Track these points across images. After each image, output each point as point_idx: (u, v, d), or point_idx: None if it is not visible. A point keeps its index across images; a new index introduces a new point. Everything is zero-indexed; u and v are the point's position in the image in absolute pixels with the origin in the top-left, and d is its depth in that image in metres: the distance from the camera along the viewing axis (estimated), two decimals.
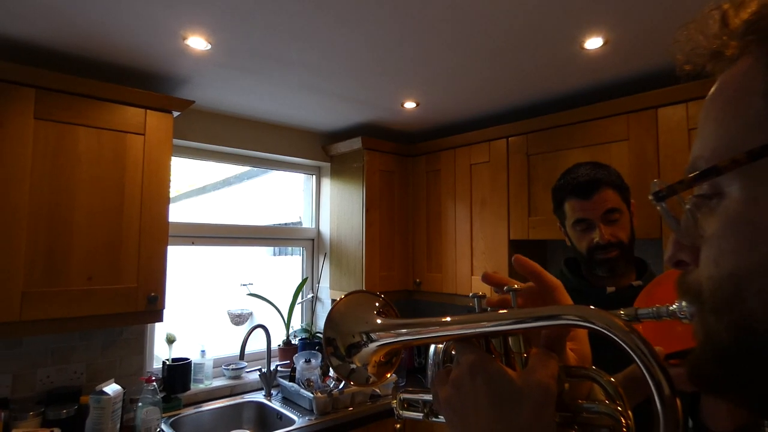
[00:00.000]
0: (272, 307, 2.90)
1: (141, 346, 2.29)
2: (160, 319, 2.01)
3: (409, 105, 2.51)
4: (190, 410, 2.28)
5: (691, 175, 0.32)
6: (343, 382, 2.37)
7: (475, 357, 0.42)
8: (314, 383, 2.40)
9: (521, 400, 0.38)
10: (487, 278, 0.50)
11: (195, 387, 2.44)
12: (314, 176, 3.24)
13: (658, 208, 0.35)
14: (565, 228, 1.35)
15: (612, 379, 0.40)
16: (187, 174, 3.27)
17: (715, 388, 0.34)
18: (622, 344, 0.34)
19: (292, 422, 2.18)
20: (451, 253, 2.72)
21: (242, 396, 2.51)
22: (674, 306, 0.47)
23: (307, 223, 3.23)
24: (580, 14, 1.57)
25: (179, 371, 2.32)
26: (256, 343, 2.80)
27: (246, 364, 2.66)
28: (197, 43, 1.76)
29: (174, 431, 2.10)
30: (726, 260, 0.31)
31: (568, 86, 2.24)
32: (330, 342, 0.50)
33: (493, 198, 2.53)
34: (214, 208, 3.78)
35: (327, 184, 3.16)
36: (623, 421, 0.38)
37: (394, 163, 2.95)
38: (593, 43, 1.77)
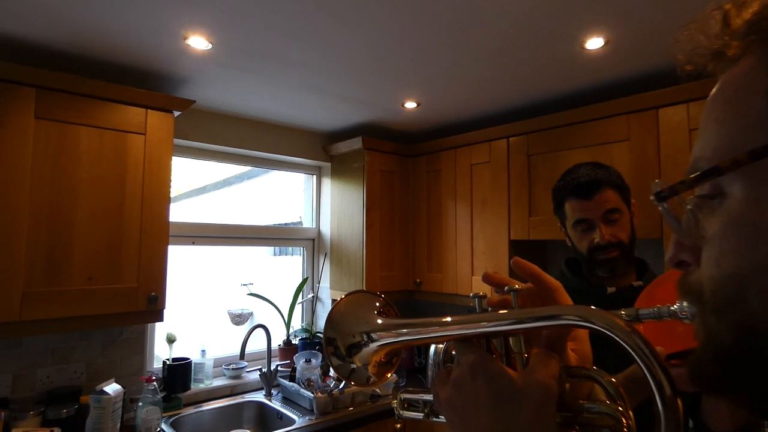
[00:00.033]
0: (272, 307, 2.90)
1: (141, 345, 2.29)
2: (160, 318, 2.01)
3: (410, 105, 2.51)
4: (191, 410, 2.28)
5: (693, 175, 0.32)
6: (344, 382, 2.37)
7: (476, 357, 0.42)
8: (314, 383, 2.40)
9: (522, 400, 0.38)
10: (487, 278, 0.50)
11: (195, 387, 2.44)
12: (315, 176, 3.24)
13: (660, 208, 0.35)
14: (565, 228, 1.35)
15: (613, 380, 0.40)
16: (187, 174, 3.27)
17: (716, 389, 0.34)
18: (623, 344, 0.34)
19: (292, 422, 2.19)
20: (451, 254, 2.72)
21: (242, 396, 2.51)
22: (675, 306, 0.47)
23: (308, 223, 3.24)
24: (580, 14, 1.57)
25: (179, 371, 2.32)
26: (257, 343, 2.80)
27: (246, 363, 2.66)
28: (198, 42, 1.76)
29: (174, 431, 2.10)
30: (727, 260, 0.31)
31: (568, 86, 2.24)
32: (330, 342, 0.50)
33: (493, 198, 2.53)
34: (215, 207, 3.79)
35: (327, 184, 3.16)
36: (624, 421, 0.38)
37: (395, 163, 2.95)
38: (594, 43, 1.76)
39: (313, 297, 3.13)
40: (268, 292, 2.94)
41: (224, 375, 2.62)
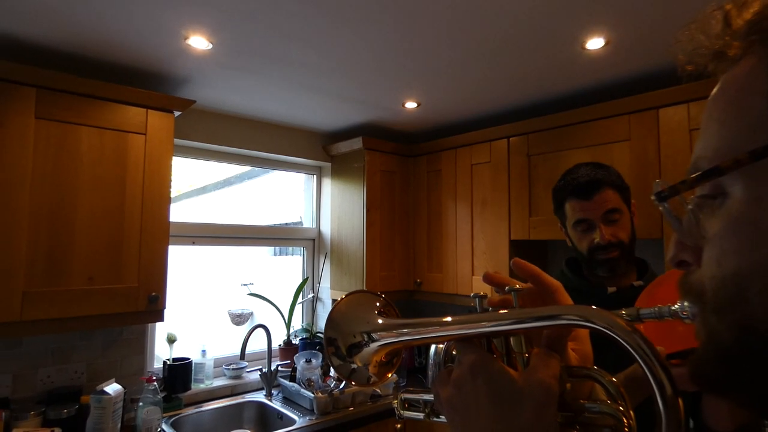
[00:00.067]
0: (273, 307, 2.90)
1: (142, 345, 2.29)
2: (160, 318, 2.01)
3: (410, 105, 2.51)
4: (191, 410, 2.28)
5: (694, 175, 0.32)
6: (344, 382, 2.37)
7: (477, 357, 0.42)
8: (315, 383, 2.40)
9: (523, 399, 0.38)
10: (488, 278, 0.50)
11: (196, 387, 2.44)
12: (315, 176, 3.24)
13: (661, 208, 0.35)
14: (565, 228, 1.35)
15: (614, 379, 0.40)
16: (188, 174, 3.27)
17: (717, 388, 0.34)
18: (624, 344, 0.34)
19: (292, 422, 2.19)
20: (451, 253, 2.72)
21: (243, 396, 2.51)
22: (676, 306, 0.47)
23: (308, 223, 3.24)
24: (581, 14, 1.57)
25: (180, 371, 2.32)
26: (257, 343, 2.80)
27: (247, 363, 2.66)
28: (198, 42, 1.76)
29: (175, 431, 2.10)
30: (728, 260, 0.31)
31: (569, 86, 2.23)
32: (331, 342, 0.50)
33: (494, 198, 2.53)
34: (215, 207, 3.78)
35: (328, 184, 3.16)
36: (625, 421, 0.38)
37: (395, 163, 2.95)
38: (594, 43, 1.76)
39: (313, 297, 3.13)
40: (269, 292, 2.94)
41: (224, 375, 2.62)
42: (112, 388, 1.93)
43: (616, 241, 1.24)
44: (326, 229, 3.14)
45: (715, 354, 0.32)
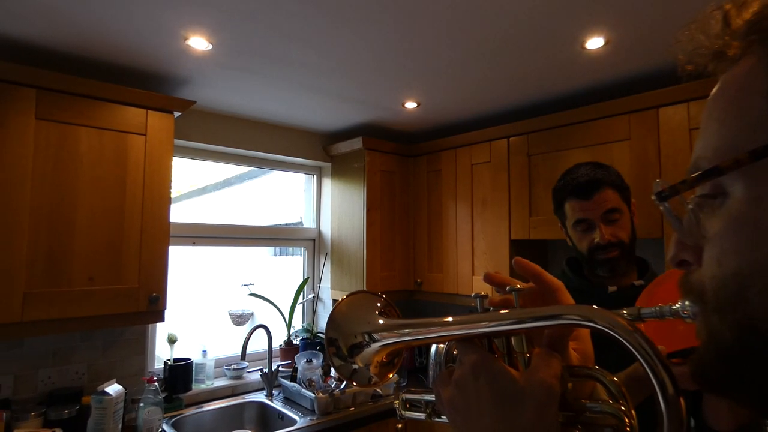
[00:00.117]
0: (273, 307, 2.90)
1: (142, 346, 2.29)
2: (161, 319, 2.01)
3: (410, 105, 2.51)
4: (192, 410, 2.28)
5: (694, 175, 0.32)
6: (345, 383, 2.37)
7: (478, 357, 0.42)
8: (315, 383, 2.40)
9: (524, 399, 0.38)
10: (489, 278, 0.50)
11: (196, 387, 2.44)
12: (315, 176, 3.24)
13: (661, 207, 0.35)
14: (566, 228, 1.35)
15: (615, 379, 0.40)
16: (188, 174, 3.26)
17: (718, 388, 0.34)
18: (625, 343, 0.34)
19: (293, 422, 2.19)
20: (452, 253, 2.72)
21: (244, 396, 2.51)
22: (677, 305, 0.48)
23: (308, 224, 3.24)
24: (581, 14, 1.57)
25: (181, 371, 2.32)
26: (258, 344, 2.81)
27: (247, 364, 2.67)
28: (198, 43, 1.77)
29: (176, 431, 2.10)
30: (729, 260, 0.31)
31: (569, 86, 2.24)
32: (332, 342, 0.50)
33: (494, 198, 2.53)
34: (215, 208, 3.78)
35: (328, 184, 3.16)
36: (627, 420, 0.38)
37: (395, 164, 2.95)
38: (594, 42, 1.76)
39: (313, 297, 3.14)
40: (269, 293, 2.94)
41: (225, 375, 2.62)
42: (113, 388, 1.93)
43: (616, 240, 1.24)
44: (326, 229, 3.14)
45: (716, 353, 0.32)
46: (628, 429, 0.38)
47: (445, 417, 0.47)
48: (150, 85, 2.16)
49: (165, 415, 2.13)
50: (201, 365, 2.48)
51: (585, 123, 2.17)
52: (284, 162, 3.03)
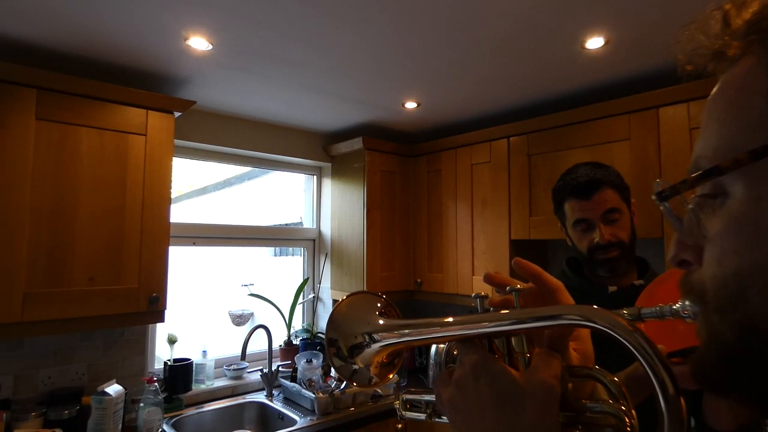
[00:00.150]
0: (273, 307, 2.90)
1: (142, 346, 2.29)
2: (161, 319, 2.01)
3: (410, 105, 2.52)
4: (192, 411, 2.28)
5: (694, 174, 0.32)
6: (345, 383, 2.37)
7: (478, 357, 0.42)
8: (316, 383, 2.40)
9: (524, 400, 0.38)
10: (489, 278, 0.50)
11: (196, 387, 2.44)
12: (315, 176, 3.24)
13: (661, 207, 0.35)
14: (566, 228, 1.35)
15: (615, 379, 0.40)
16: (188, 174, 3.26)
17: (719, 388, 0.34)
18: (626, 343, 0.34)
19: (293, 422, 2.19)
20: (452, 253, 2.72)
21: (244, 396, 2.51)
22: (677, 305, 0.48)
23: (308, 224, 3.24)
24: (581, 14, 1.57)
25: (181, 372, 2.32)
26: (258, 344, 2.81)
27: (247, 364, 2.67)
28: (198, 43, 1.77)
29: (176, 431, 2.10)
30: (729, 260, 0.31)
31: (569, 86, 2.24)
32: (332, 343, 0.50)
33: (494, 198, 2.53)
34: (215, 208, 3.78)
35: (328, 184, 3.16)
36: (627, 420, 0.38)
37: (395, 164, 2.95)
38: (594, 42, 1.76)
39: (313, 297, 3.14)
40: (269, 293, 2.94)
41: (225, 376, 2.62)
42: (113, 388, 1.93)
43: (615, 240, 1.24)
44: (326, 229, 3.14)
45: (716, 353, 0.33)
46: (628, 429, 0.38)
47: (445, 417, 0.47)
48: (150, 85, 2.16)
49: (165, 416, 2.13)
50: (201, 365, 2.48)
51: (585, 123, 2.17)
52: (284, 162, 3.03)
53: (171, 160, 2.06)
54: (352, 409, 2.33)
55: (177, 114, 2.11)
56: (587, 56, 1.89)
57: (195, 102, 2.17)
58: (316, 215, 3.21)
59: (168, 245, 2.04)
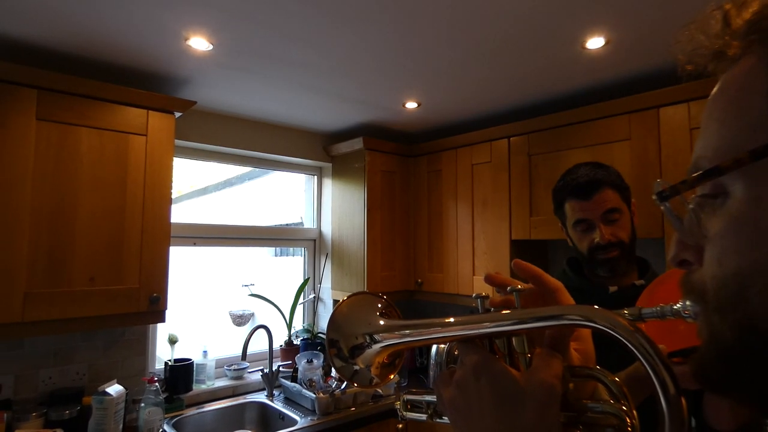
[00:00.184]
0: (274, 307, 2.90)
1: (143, 346, 2.29)
2: (162, 319, 2.01)
3: (411, 105, 2.52)
4: (193, 411, 2.28)
5: (694, 174, 0.32)
6: (345, 383, 2.37)
7: (479, 357, 0.42)
8: (316, 383, 2.40)
9: (525, 400, 0.38)
10: (489, 279, 0.50)
11: (197, 387, 2.44)
12: (315, 177, 3.24)
13: (662, 207, 0.35)
14: (566, 229, 1.35)
15: (616, 379, 0.40)
16: (188, 175, 3.27)
17: (719, 387, 0.34)
18: (626, 343, 0.34)
19: (294, 422, 2.19)
20: (452, 254, 2.72)
21: (244, 396, 2.51)
22: (678, 305, 0.48)
23: (309, 224, 3.24)
24: (581, 14, 1.57)
25: (181, 372, 2.33)
26: (258, 344, 2.81)
27: (248, 364, 2.67)
28: (199, 43, 1.77)
29: None
30: (729, 259, 0.31)
31: (569, 86, 2.24)
32: (333, 344, 0.50)
33: (494, 198, 2.53)
34: (216, 208, 3.79)
35: (328, 184, 3.16)
36: (628, 420, 0.38)
37: (396, 164, 2.95)
38: (595, 42, 1.76)
39: (314, 297, 3.14)
40: (270, 293, 2.95)
41: (226, 376, 2.62)
42: (114, 389, 1.94)
43: (616, 240, 1.24)
44: (327, 229, 3.14)
45: (717, 353, 0.33)
46: (629, 429, 0.38)
47: (446, 418, 0.48)
48: (150, 85, 2.16)
49: (166, 416, 2.13)
50: (202, 366, 2.48)
51: (585, 123, 2.17)
52: (285, 162, 3.03)
53: (171, 160, 2.06)
54: (353, 409, 2.33)
55: (177, 114, 2.11)
56: (587, 56, 1.89)
57: (195, 102, 2.17)
58: (317, 215, 3.21)
59: (169, 245, 2.04)
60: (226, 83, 2.19)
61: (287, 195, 3.43)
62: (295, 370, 2.53)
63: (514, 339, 0.44)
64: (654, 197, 0.35)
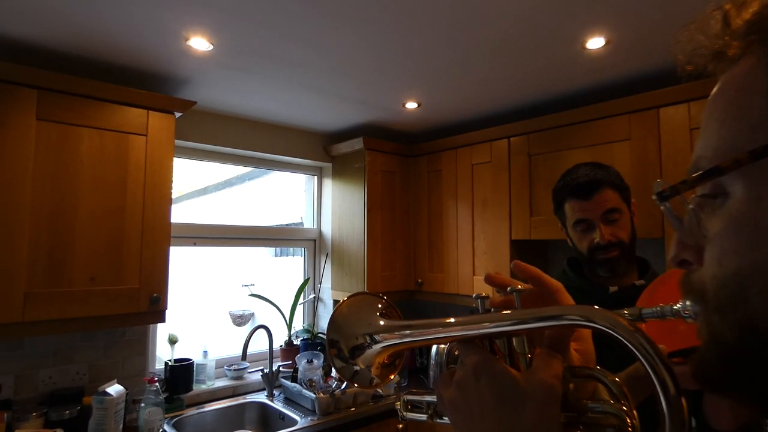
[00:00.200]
0: (274, 307, 2.90)
1: (143, 346, 2.29)
2: (162, 319, 2.01)
3: (411, 105, 2.52)
4: (193, 411, 2.28)
5: (694, 175, 0.32)
6: (346, 383, 2.37)
7: (479, 358, 0.42)
8: (316, 383, 2.40)
9: (525, 400, 0.39)
10: (489, 279, 0.51)
11: (197, 387, 2.44)
12: (316, 177, 3.24)
13: (662, 207, 0.35)
14: (566, 229, 1.35)
15: (616, 379, 0.40)
16: (188, 175, 3.27)
17: (719, 387, 0.34)
18: (627, 343, 0.35)
19: (294, 422, 2.19)
20: (452, 254, 2.72)
21: (244, 396, 2.51)
22: (678, 305, 0.48)
23: (309, 224, 3.24)
24: (581, 14, 1.57)
25: (181, 372, 2.33)
26: (258, 344, 2.81)
27: (248, 364, 2.67)
28: (199, 43, 1.77)
29: None
30: (729, 260, 0.31)
31: (569, 86, 2.24)
32: (333, 344, 0.50)
33: (494, 198, 2.53)
34: (216, 208, 3.79)
35: (328, 184, 3.16)
36: (628, 420, 0.38)
37: (396, 164, 2.95)
38: (595, 43, 1.76)
39: (314, 297, 3.14)
40: (270, 293, 2.95)
41: (226, 376, 2.62)
42: (114, 389, 1.94)
43: (616, 240, 1.24)
44: (327, 229, 3.14)
45: (717, 353, 0.33)
46: (629, 429, 0.38)
47: (446, 418, 0.48)
48: (151, 85, 2.16)
49: (166, 416, 2.13)
50: (202, 366, 2.48)
51: (585, 123, 2.17)
52: (285, 162, 3.03)
53: (172, 160, 2.06)
54: (353, 409, 2.33)
55: (177, 114, 2.11)
56: (587, 56, 1.89)
57: (195, 102, 2.17)
58: (317, 215, 3.21)
59: (169, 245, 2.04)
60: (226, 83, 2.19)
61: (287, 195, 3.43)
62: (295, 370, 2.53)
63: (514, 339, 0.44)
64: (654, 197, 0.35)
